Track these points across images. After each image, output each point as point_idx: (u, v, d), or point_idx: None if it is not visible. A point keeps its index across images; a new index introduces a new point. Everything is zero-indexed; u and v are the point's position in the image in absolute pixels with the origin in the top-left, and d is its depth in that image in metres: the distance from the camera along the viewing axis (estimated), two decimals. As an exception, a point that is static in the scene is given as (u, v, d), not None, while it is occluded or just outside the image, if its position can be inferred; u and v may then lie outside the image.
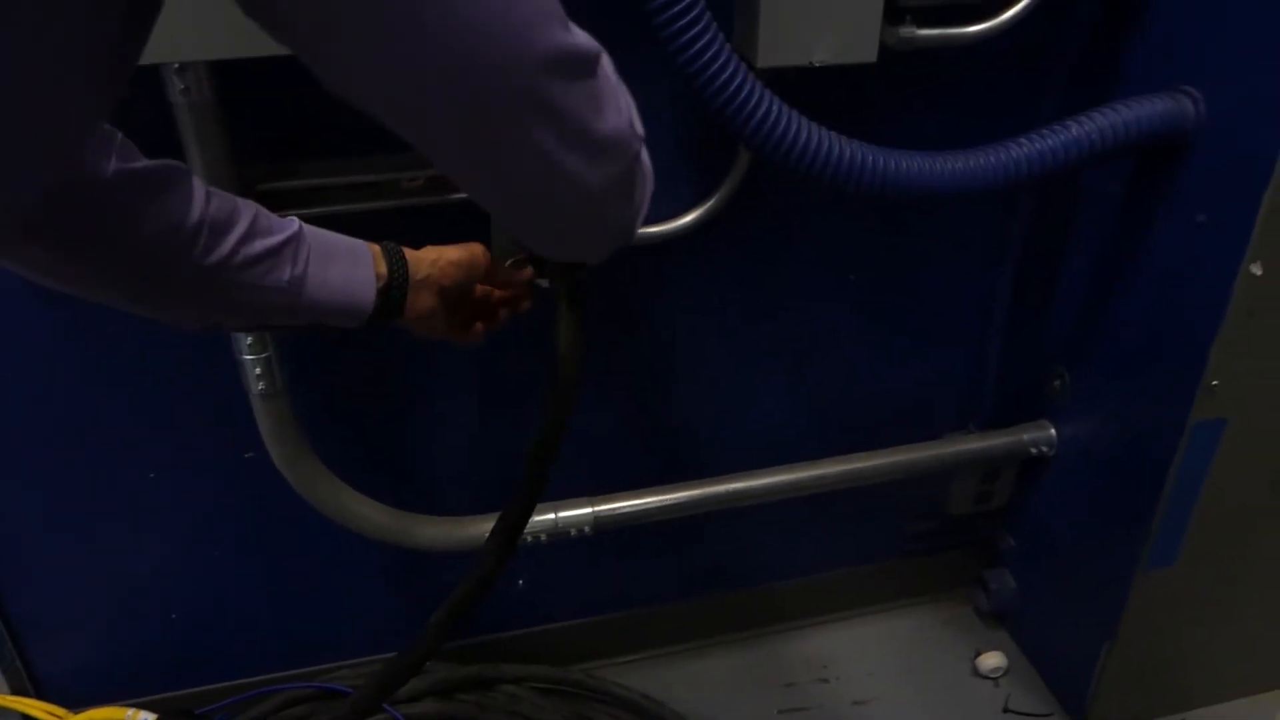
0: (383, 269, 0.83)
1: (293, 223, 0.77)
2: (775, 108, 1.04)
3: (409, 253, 0.86)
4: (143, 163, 0.67)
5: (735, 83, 1.01)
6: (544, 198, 0.62)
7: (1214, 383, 1.19)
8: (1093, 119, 1.12)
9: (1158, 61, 1.18)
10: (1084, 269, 1.36)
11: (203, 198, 0.71)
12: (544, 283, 0.90)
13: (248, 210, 0.74)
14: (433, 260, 0.87)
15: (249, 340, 1.09)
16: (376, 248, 0.84)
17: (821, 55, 1.09)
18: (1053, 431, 1.47)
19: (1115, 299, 1.31)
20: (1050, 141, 1.12)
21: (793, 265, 1.33)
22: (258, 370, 1.10)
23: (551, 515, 1.31)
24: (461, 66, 0.48)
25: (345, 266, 0.80)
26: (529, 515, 0.91)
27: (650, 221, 1.22)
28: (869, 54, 1.10)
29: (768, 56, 1.08)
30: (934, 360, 1.47)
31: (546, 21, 0.52)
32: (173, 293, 0.73)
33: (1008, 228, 1.37)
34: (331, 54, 0.48)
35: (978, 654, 1.60)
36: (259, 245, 0.73)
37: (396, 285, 0.83)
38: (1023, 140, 1.13)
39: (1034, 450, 1.48)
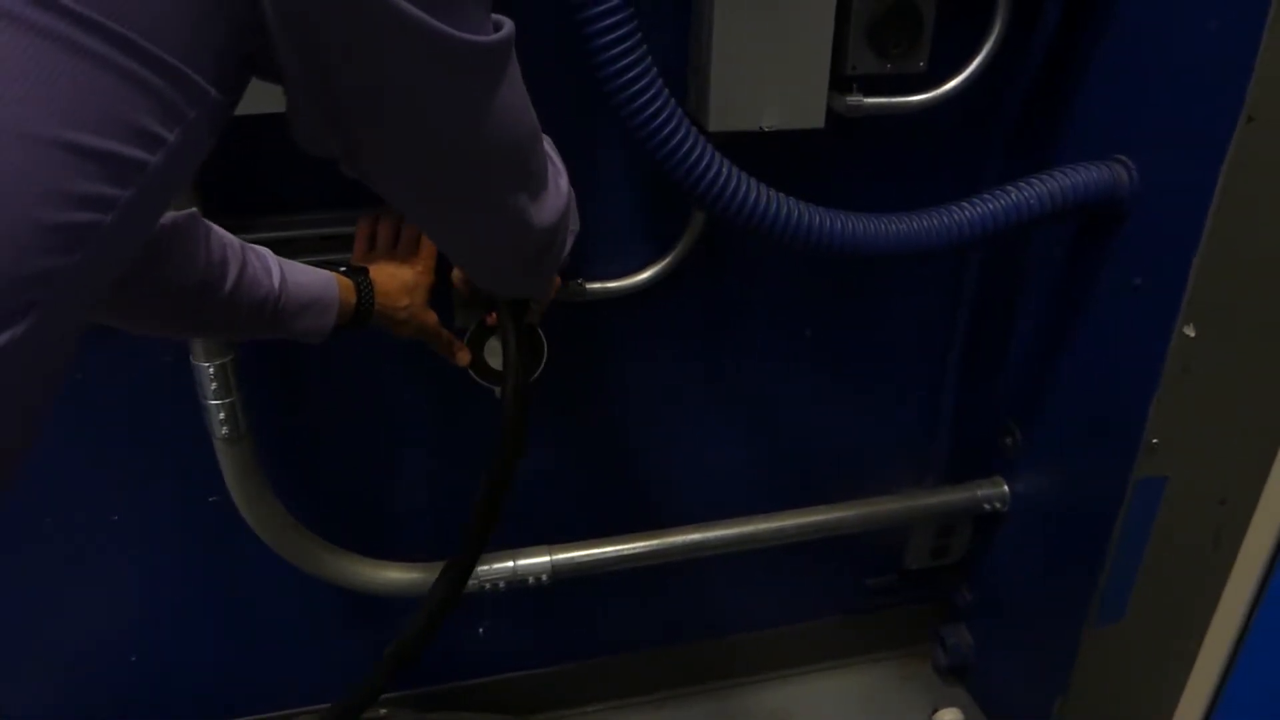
0: (348, 285, 0.95)
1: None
2: (725, 170, 1.07)
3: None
4: (168, 217, 0.74)
5: (686, 146, 1.05)
6: (510, 249, 0.75)
7: (1154, 440, 1.23)
8: (1031, 185, 1.17)
9: (1092, 131, 1.23)
10: (1031, 329, 1.40)
11: (216, 240, 0.79)
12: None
13: (234, 241, 0.82)
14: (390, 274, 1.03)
15: (214, 385, 1.11)
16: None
17: (770, 120, 1.13)
18: (1006, 488, 1.50)
19: (1060, 358, 1.35)
20: (991, 206, 1.17)
21: (749, 321, 1.36)
22: (221, 415, 1.12)
23: (510, 563, 1.33)
24: (481, 177, 0.63)
25: (310, 272, 0.91)
26: (481, 549, 0.97)
27: (608, 277, 1.25)
28: (817, 120, 1.15)
29: (719, 121, 1.12)
30: (889, 415, 1.50)
31: (537, 137, 0.68)
32: (189, 322, 0.83)
33: (958, 286, 1.41)
34: (371, 154, 0.58)
35: (934, 710, 1.60)
36: (252, 264, 0.82)
37: (363, 283, 0.97)
38: (965, 204, 1.17)
39: (988, 506, 1.50)
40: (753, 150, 1.12)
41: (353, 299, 0.94)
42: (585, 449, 1.41)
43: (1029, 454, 1.45)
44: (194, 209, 0.76)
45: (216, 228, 0.80)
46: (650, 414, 1.40)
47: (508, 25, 0.57)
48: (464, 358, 1.12)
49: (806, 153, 1.22)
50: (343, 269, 0.98)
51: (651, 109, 1.03)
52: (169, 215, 0.73)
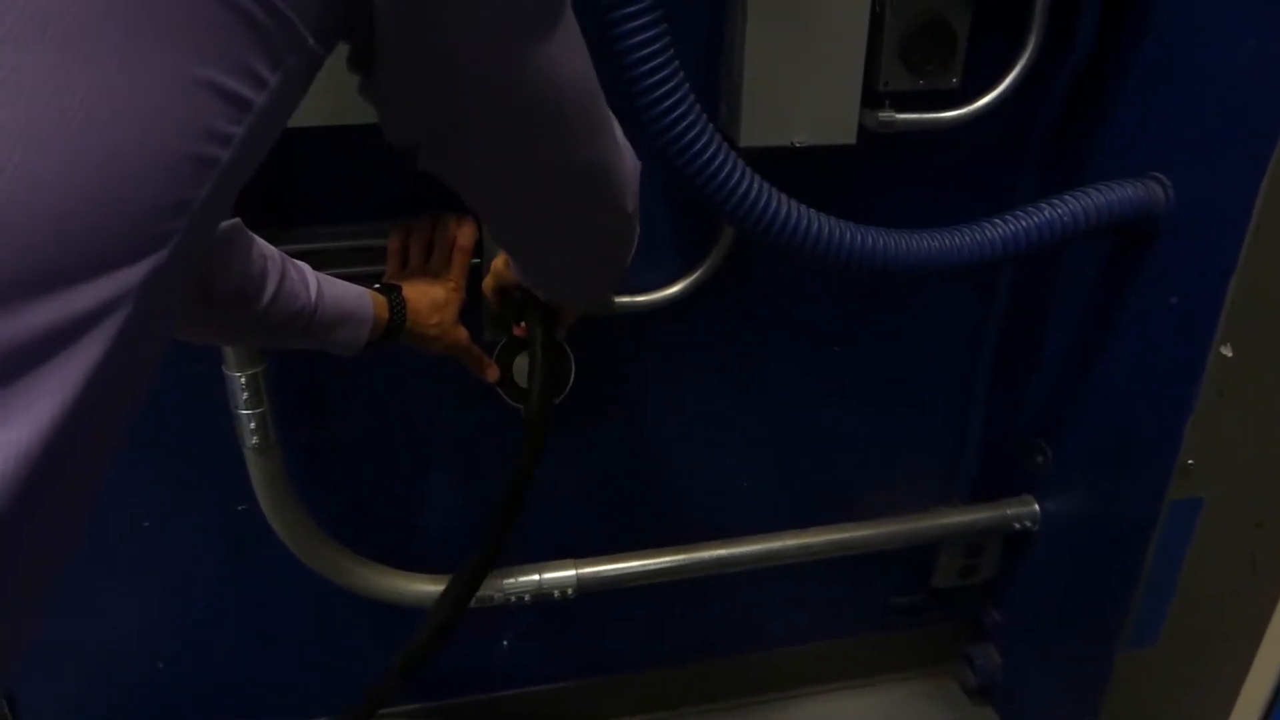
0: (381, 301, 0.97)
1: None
2: (757, 186, 1.07)
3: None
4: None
5: (717, 162, 1.05)
6: (590, 229, 0.77)
7: (1189, 462, 1.21)
8: (1065, 203, 1.16)
9: (1127, 147, 1.22)
10: (1062, 346, 1.39)
11: (258, 251, 0.79)
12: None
13: (275, 253, 0.83)
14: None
15: (245, 395, 1.12)
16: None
17: (802, 136, 1.13)
18: (1036, 507, 1.48)
19: (1093, 377, 1.33)
20: (1024, 223, 1.16)
21: (777, 336, 1.36)
22: (252, 425, 1.13)
23: (535, 576, 1.32)
24: (563, 136, 0.64)
25: (346, 288, 0.92)
26: (490, 567, 0.97)
27: (637, 291, 1.25)
28: (849, 136, 1.14)
29: (750, 136, 1.12)
30: (917, 432, 1.49)
31: (600, 93, 0.68)
32: (224, 331, 0.86)
33: (988, 303, 1.40)
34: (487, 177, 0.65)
35: (963, 731, 1.59)
36: (291, 277, 0.83)
37: (396, 300, 0.98)
38: (997, 221, 1.16)
39: (1018, 525, 1.48)
40: (784, 166, 1.11)
41: (385, 315, 0.95)
42: (611, 463, 1.40)
43: (1060, 473, 1.43)
44: (238, 219, 0.76)
45: (259, 239, 0.81)
46: (677, 428, 1.39)
47: None
48: (493, 374, 1.12)
49: (838, 168, 1.21)
50: (376, 285, 0.99)
51: (683, 124, 1.03)
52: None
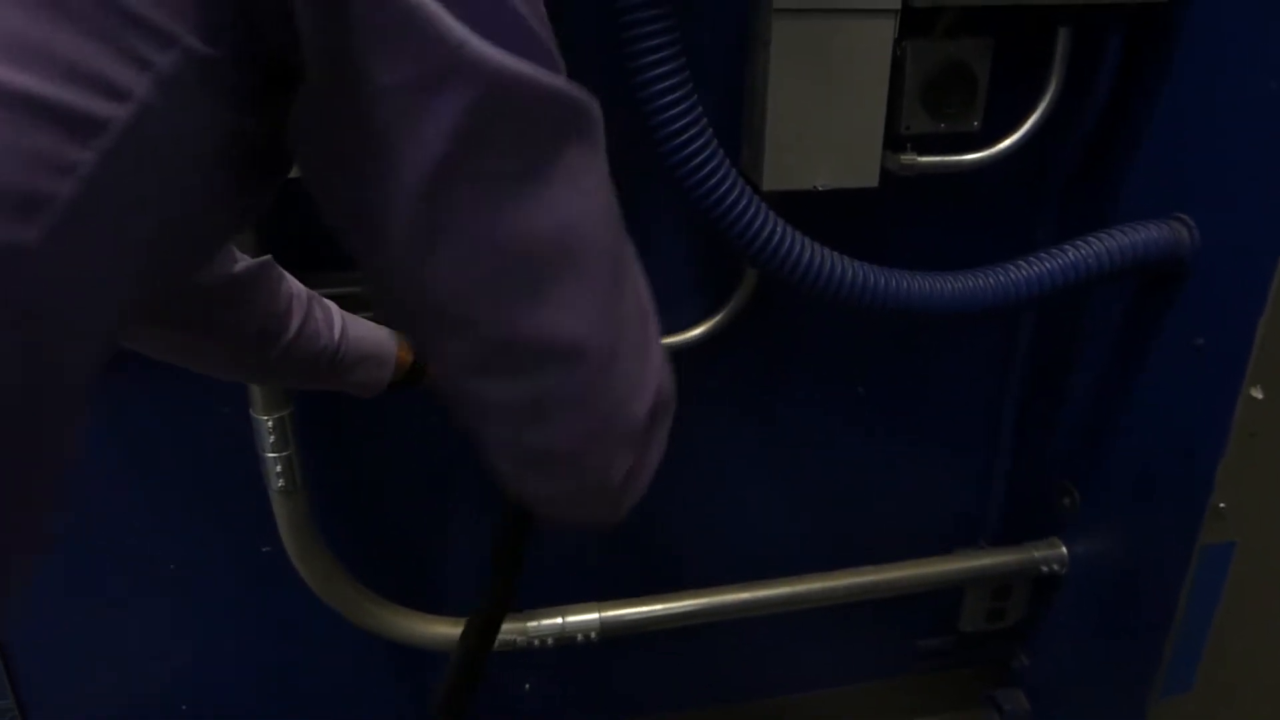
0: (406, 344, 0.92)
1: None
2: (780, 229, 1.08)
3: None
4: (242, 264, 0.73)
5: (740, 205, 1.06)
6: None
7: (1221, 505, 1.19)
8: (1089, 244, 1.16)
9: (1151, 189, 1.22)
10: (1089, 387, 1.37)
11: (285, 289, 0.78)
12: None
13: (302, 292, 0.82)
14: None
15: (272, 438, 1.13)
16: None
17: (825, 180, 1.14)
18: (1064, 550, 1.46)
19: (1120, 419, 1.32)
20: (1049, 265, 1.15)
21: (801, 378, 1.36)
22: (279, 467, 1.14)
23: (558, 619, 1.32)
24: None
25: (370, 328, 0.89)
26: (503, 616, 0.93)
27: (662, 334, 1.24)
28: (871, 179, 1.15)
29: (773, 180, 1.13)
30: (942, 474, 1.48)
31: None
32: (239, 368, 0.83)
33: (1013, 344, 1.39)
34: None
35: (991, 778, 1.56)
36: (315, 317, 0.81)
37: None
38: (1021, 263, 1.16)
39: (1045, 568, 1.46)
40: (806, 209, 1.12)
41: (410, 357, 0.95)
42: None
43: (1088, 515, 1.41)
44: (268, 256, 0.76)
45: (288, 276, 0.80)
46: (701, 470, 1.39)
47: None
48: None
49: (860, 211, 1.21)
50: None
51: (706, 169, 1.04)
52: (243, 262, 0.73)
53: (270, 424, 1.12)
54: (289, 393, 1.12)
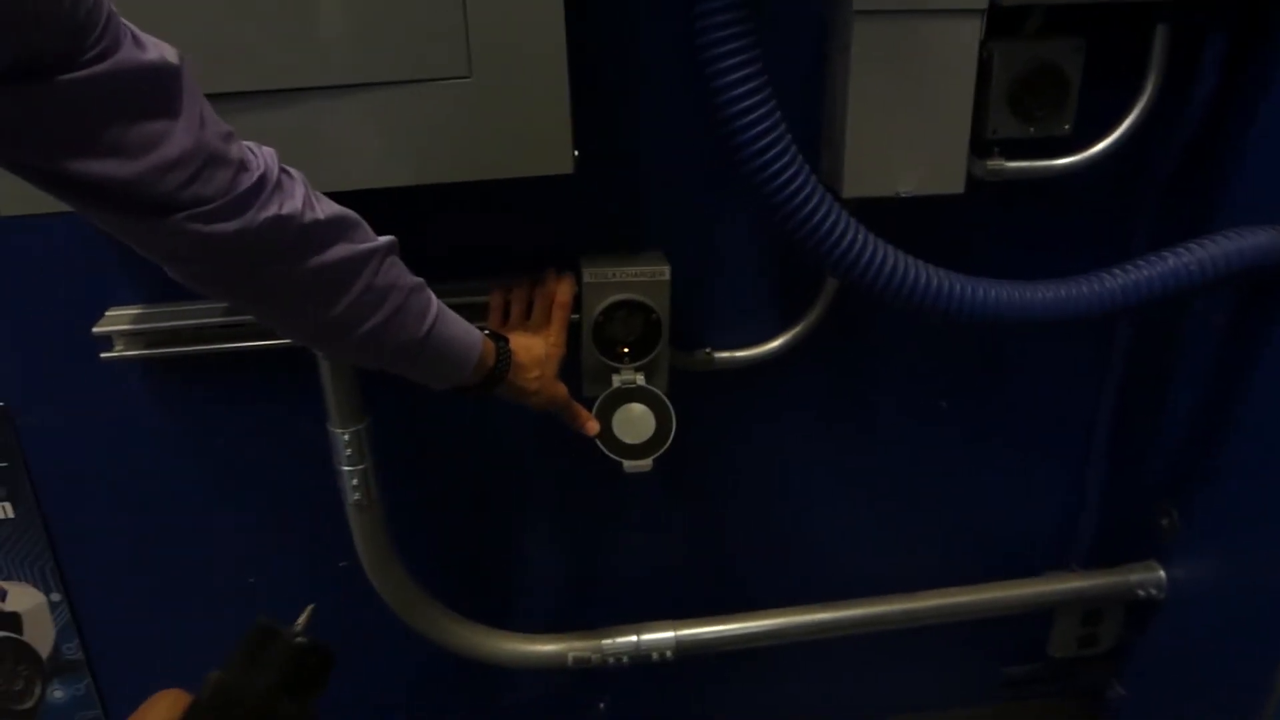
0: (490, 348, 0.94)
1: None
2: (862, 237, 1.05)
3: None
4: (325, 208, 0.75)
5: (820, 213, 1.03)
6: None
7: (1337, 527, 1.12)
8: (1191, 250, 1.10)
9: (1256, 193, 1.15)
10: (1190, 400, 1.31)
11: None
12: None
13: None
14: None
15: (348, 451, 1.12)
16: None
17: (908, 186, 1.10)
18: (1162, 573, 1.39)
19: (1224, 435, 1.25)
20: (1147, 272, 1.10)
21: (882, 392, 1.32)
22: (354, 481, 1.14)
23: (633, 637, 1.29)
24: None
25: (462, 325, 0.91)
26: None
27: (736, 346, 1.24)
28: (956, 185, 1.11)
29: (854, 187, 1.10)
30: (1031, 492, 1.42)
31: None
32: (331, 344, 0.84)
33: (1108, 355, 1.34)
34: None
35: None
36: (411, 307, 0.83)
37: (503, 349, 0.96)
38: (1117, 271, 1.11)
39: (1142, 592, 1.40)
40: (887, 216, 1.09)
41: (490, 363, 0.95)
42: (711, 522, 1.37)
43: (1189, 537, 1.34)
44: (393, 238, 0.79)
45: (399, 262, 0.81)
46: (779, 487, 1.36)
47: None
48: (593, 428, 1.11)
49: (944, 218, 1.17)
50: (487, 331, 0.98)
51: (785, 175, 1.02)
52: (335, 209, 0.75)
53: (346, 437, 1.11)
54: (364, 406, 1.12)
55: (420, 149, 0.94)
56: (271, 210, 0.69)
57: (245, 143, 0.71)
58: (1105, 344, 1.33)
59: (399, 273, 0.82)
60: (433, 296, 0.86)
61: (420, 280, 0.85)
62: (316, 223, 0.73)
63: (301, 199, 0.72)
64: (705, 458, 1.32)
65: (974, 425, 1.36)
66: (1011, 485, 1.42)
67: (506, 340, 0.99)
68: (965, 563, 1.42)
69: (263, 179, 0.69)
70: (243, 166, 0.68)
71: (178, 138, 0.63)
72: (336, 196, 0.77)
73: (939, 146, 1.10)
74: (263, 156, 0.71)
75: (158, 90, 0.62)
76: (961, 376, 1.33)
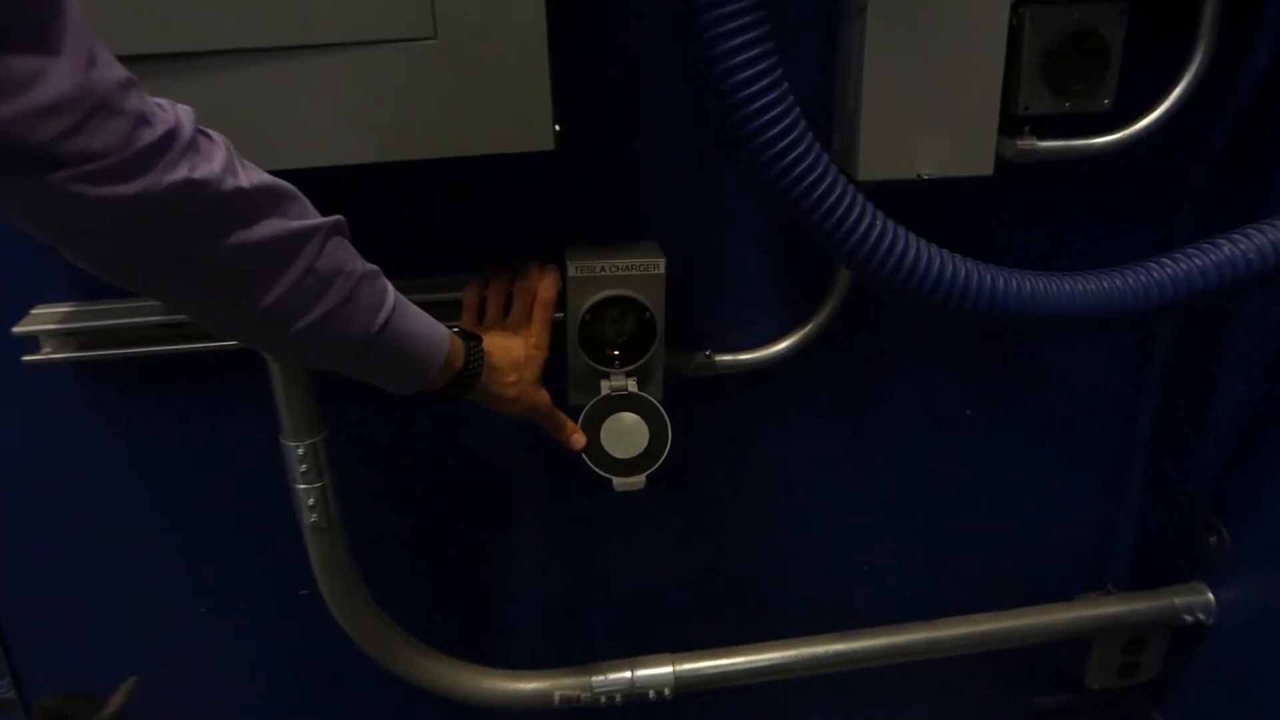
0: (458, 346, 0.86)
1: None
2: (880, 224, 0.95)
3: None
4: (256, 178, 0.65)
5: (834, 196, 0.93)
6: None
7: None
8: (1249, 237, 0.99)
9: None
10: (1238, 406, 1.21)
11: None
12: None
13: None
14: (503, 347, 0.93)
15: (303, 467, 1.01)
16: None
17: (930, 168, 1.01)
18: (1210, 596, 1.29)
19: (1277, 443, 1.15)
20: (1198, 262, 0.99)
21: (900, 397, 1.24)
22: (311, 500, 1.03)
23: (628, 674, 1.18)
24: None
25: (423, 319, 0.82)
26: None
27: (739, 348, 1.16)
28: (985, 166, 1.02)
29: (870, 169, 1.01)
30: (1064, 507, 1.34)
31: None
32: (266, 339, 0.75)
33: (1148, 355, 1.24)
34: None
35: None
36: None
37: (474, 349, 0.87)
38: (1165, 261, 1.01)
39: (1188, 617, 1.30)
40: (907, 201, 1.00)
41: (459, 364, 0.85)
42: (712, 543, 1.28)
43: (1239, 557, 1.25)
44: (339, 217, 0.71)
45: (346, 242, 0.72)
46: (787, 504, 1.27)
47: None
48: (579, 441, 1.00)
49: (969, 203, 1.10)
50: (456, 329, 0.89)
51: (793, 154, 0.91)
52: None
53: (301, 451, 1.01)
54: (322, 415, 1.02)
55: (379, 122, 0.84)
56: (180, 173, 0.58)
57: (157, 99, 0.60)
58: (1146, 341, 1.24)
59: (346, 257, 0.72)
60: (389, 286, 0.77)
61: (374, 268, 0.75)
62: (240, 191, 0.62)
63: (221, 164, 0.61)
64: (705, 472, 1.23)
65: (1002, 434, 1.28)
66: (1043, 499, 1.33)
67: (479, 340, 0.90)
68: (992, 584, 1.34)
69: (170, 135, 0.58)
70: (143, 120, 0.57)
71: (56, 78, 0.52)
72: (282, 177, 0.67)
73: (965, 123, 1.01)
74: (174, 112, 0.60)
75: (29, 19, 0.51)
76: (987, 379, 1.25)
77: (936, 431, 1.26)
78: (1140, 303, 1.00)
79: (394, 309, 0.76)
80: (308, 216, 0.68)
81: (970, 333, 1.20)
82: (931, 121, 0.99)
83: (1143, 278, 1.00)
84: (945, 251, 0.98)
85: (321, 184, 0.74)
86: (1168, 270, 1.00)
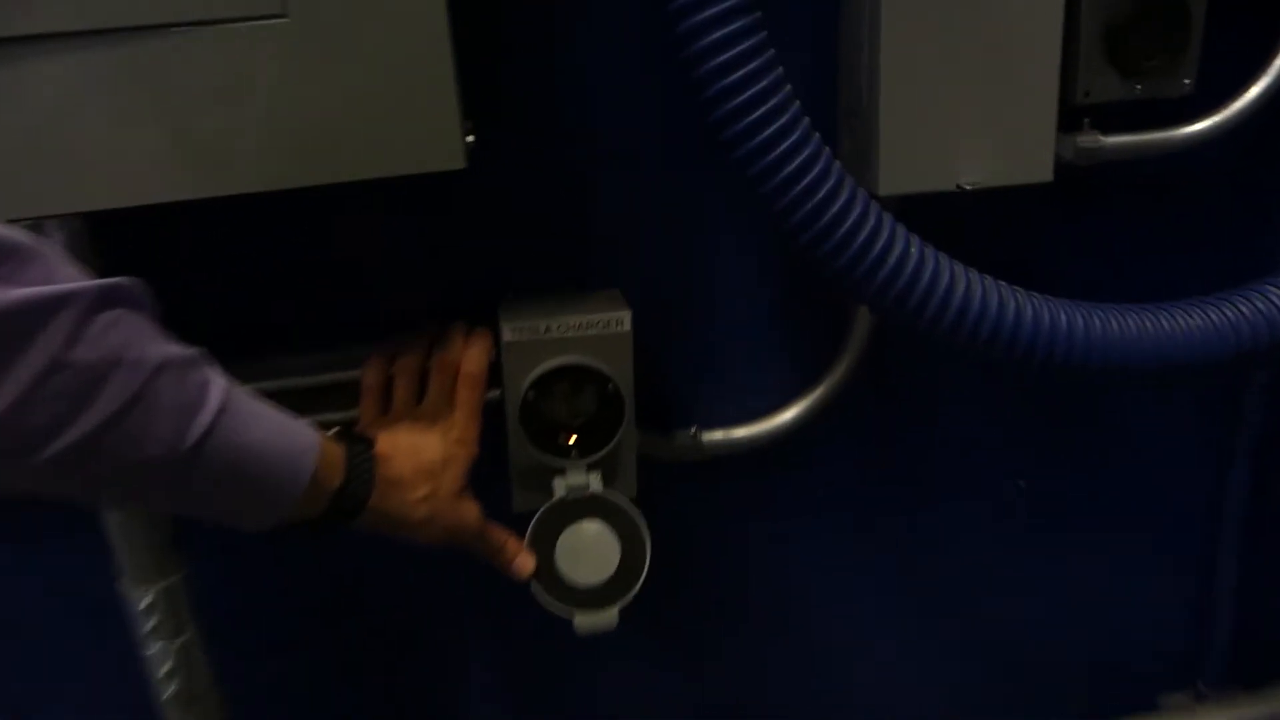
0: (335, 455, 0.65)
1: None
2: (916, 250, 0.79)
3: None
4: None
5: (853, 215, 0.77)
6: None
7: None
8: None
9: None
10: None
11: None
12: None
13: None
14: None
15: (153, 620, 0.79)
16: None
17: (973, 176, 0.85)
18: (1323, 697, 1.14)
19: None
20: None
21: (933, 471, 1.09)
22: (169, 664, 0.80)
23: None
24: None
25: (272, 420, 0.61)
26: None
27: (732, 421, 1.00)
28: (1042, 172, 0.86)
29: (893, 181, 0.85)
30: (1141, 598, 1.19)
31: None
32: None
33: (1236, 409, 1.10)
34: None
35: None
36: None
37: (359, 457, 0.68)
38: (1271, 290, 0.87)
39: (1296, 724, 1.14)
40: (938, 219, 0.84)
41: (335, 482, 0.64)
42: (713, 657, 1.12)
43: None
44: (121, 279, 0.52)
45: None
46: (803, 601, 1.13)
47: None
48: (524, 565, 0.78)
49: (1020, 219, 0.97)
50: (335, 430, 0.70)
51: (795, 162, 0.76)
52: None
53: (150, 599, 0.78)
54: (177, 546, 0.80)
55: (203, 142, 0.62)
56: None
57: None
58: (1236, 394, 1.10)
59: (129, 338, 0.51)
60: (215, 379, 0.55)
61: (190, 352, 0.54)
62: None
63: None
64: (694, 573, 1.07)
65: (1061, 512, 1.13)
66: (1114, 589, 1.18)
67: (368, 444, 0.69)
68: (1059, 696, 1.19)
69: None
70: None
71: None
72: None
73: (1014, 120, 0.85)
74: None
75: None
76: (1043, 446, 1.09)
77: (980, 510, 1.11)
78: (1237, 345, 0.87)
79: (221, 411, 0.53)
80: (53, 280, 0.46)
81: (1019, 389, 1.04)
82: (970, 119, 0.83)
83: (1241, 311, 0.87)
84: (990, 280, 0.82)
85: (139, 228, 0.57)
86: (1267, 303, 0.86)
